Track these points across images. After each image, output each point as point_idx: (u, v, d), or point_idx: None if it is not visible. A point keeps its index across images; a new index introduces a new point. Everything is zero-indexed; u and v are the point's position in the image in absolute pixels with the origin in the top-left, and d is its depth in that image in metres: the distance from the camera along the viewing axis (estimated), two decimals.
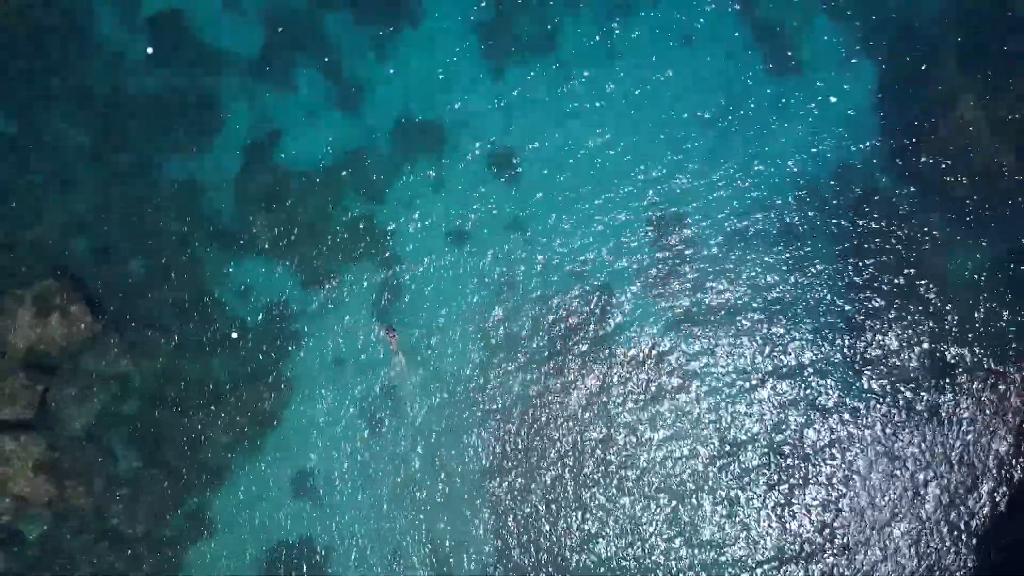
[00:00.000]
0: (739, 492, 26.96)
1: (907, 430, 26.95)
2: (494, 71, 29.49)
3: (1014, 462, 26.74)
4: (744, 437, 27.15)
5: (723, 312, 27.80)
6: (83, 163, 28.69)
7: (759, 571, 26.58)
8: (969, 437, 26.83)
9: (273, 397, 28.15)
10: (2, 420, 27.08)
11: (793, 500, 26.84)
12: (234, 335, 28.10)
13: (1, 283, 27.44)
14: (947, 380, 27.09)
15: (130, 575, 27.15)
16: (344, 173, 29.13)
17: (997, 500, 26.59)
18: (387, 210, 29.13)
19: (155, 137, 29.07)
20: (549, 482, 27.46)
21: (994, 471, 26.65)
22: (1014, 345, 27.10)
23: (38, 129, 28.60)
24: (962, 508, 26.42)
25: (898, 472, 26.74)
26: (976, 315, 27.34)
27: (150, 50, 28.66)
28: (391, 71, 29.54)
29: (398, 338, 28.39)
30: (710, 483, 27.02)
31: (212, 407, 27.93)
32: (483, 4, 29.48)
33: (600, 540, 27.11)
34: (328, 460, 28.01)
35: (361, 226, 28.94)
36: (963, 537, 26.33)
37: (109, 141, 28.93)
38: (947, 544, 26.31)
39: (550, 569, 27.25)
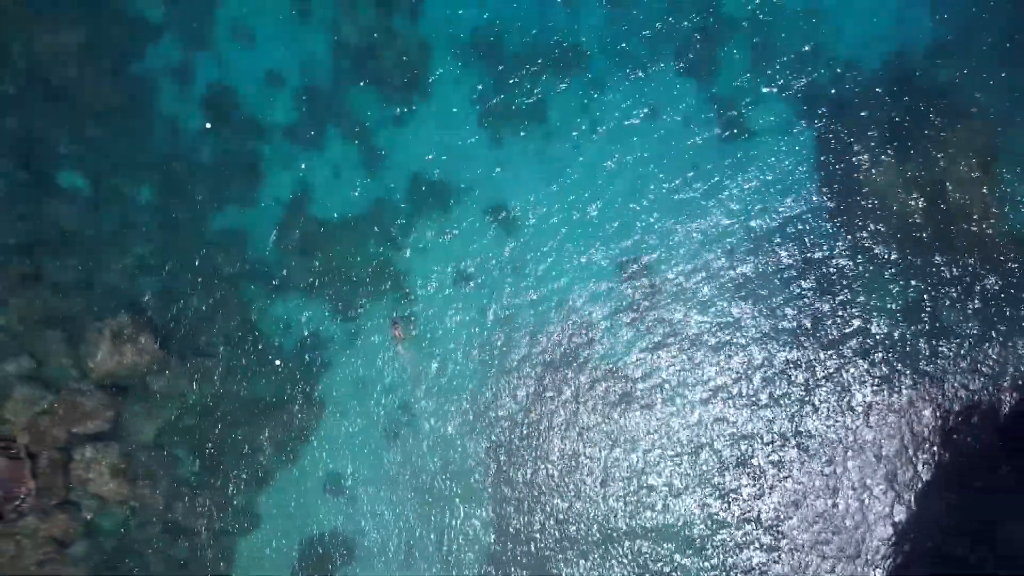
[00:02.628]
0: (697, 489, 32.47)
1: (839, 431, 32.43)
2: (493, 137, 34.02)
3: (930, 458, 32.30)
4: (702, 441, 32.63)
5: (676, 335, 33.07)
6: (148, 216, 33.09)
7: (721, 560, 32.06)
8: (894, 443, 32.33)
9: (308, 413, 32.91)
10: (84, 432, 31.88)
11: (754, 499, 32.33)
12: (277, 362, 33.04)
13: (83, 318, 32.05)
14: (865, 392, 32.59)
15: (190, 562, 32.33)
16: (367, 223, 33.67)
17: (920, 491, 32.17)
18: (403, 254, 33.68)
19: (208, 193, 33.42)
20: (540, 481, 32.74)
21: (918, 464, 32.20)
22: (927, 365, 32.60)
23: (110, 187, 32.97)
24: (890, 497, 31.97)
25: (831, 464, 32.25)
26: (895, 341, 32.77)
27: (208, 125, 33.54)
28: (407, 138, 33.95)
29: (402, 329, 33.18)
30: (671, 479, 32.54)
31: (258, 421, 32.64)
32: (483, 82, 34.16)
33: (578, 528, 32.54)
34: (354, 465, 32.69)
35: (381, 268, 33.63)
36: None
37: (169, 197, 33.29)
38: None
39: (544, 562, 32.58)
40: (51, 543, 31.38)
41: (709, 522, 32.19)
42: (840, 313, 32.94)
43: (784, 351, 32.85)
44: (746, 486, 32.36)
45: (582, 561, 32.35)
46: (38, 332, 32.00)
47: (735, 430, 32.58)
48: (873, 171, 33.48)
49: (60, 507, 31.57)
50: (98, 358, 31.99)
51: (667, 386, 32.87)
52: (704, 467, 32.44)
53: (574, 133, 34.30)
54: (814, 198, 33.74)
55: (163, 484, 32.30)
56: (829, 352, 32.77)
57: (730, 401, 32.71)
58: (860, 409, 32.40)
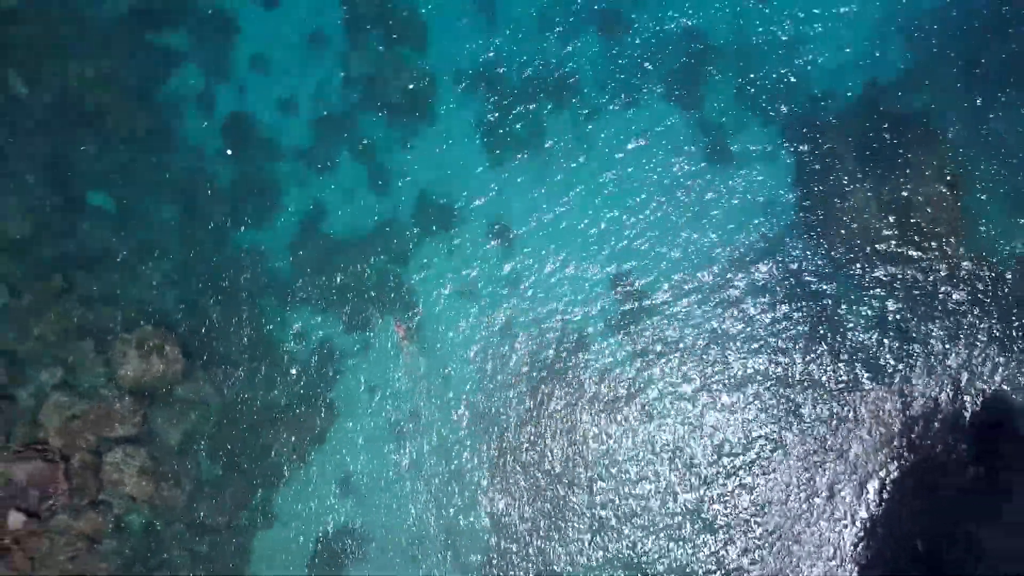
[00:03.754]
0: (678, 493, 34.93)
1: (810, 441, 34.86)
2: (493, 161, 36.32)
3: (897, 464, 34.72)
4: (684, 446, 35.05)
5: (664, 347, 35.47)
6: (172, 234, 35.39)
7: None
8: (865, 451, 34.74)
9: (321, 417, 35.15)
10: (114, 436, 34.18)
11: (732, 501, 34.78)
12: (292, 370, 35.38)
13: (113, 330, 34.43)
14: (840, 399, 35.02)
15: (211, 557, 34.63)
16: (376, 241, 35.97)
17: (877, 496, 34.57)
18: (409, 270, 35.96)
19: (228, 212, 35.72)
20: (537, 481, 35.14)
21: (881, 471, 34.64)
22: (896, 375, 35.00)
23: (137, 208, 35.28)
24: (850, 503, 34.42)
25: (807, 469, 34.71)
26: (865, 353, 35.17)
27: (229, 151, 35.89)
28: (413, 161, 36.30)
29: (405, 329, 35.49)
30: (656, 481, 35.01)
31: (274, 425, 34.91)
32: (485, 109, 36.46)
33: (570, 524, 34.98)
34: (364, 466, 34.97)
35: (389, 283, 35.89)
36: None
37: (192, 216, 35.61)
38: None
39: (541, 557, 34.96)
40: (83, 540, 33.62)
41: (677, 530, 34.55)
42: (813, 326, 35.31)
43: (756, 364, 35.20)
44: (717, 496, 34.72)
45: (575, 557, 34.68)
46: (71, 343, 34.34)
47: (709, 440, 34.97)
48: (849, 192, 35.87)
49: (91, 506, 33.82)
50: (126, 367, 34.28)
51: (651, 394, 35.24)
52: (677, 475, 34.77)
53: (569, 157, 36.58)
54: (793, 217, 36.04)
55: (187, 484, 34.53)
56: (800, 365, 35.13)
57: (707, 413, 35.11)
58: (831, 419, 34.77)
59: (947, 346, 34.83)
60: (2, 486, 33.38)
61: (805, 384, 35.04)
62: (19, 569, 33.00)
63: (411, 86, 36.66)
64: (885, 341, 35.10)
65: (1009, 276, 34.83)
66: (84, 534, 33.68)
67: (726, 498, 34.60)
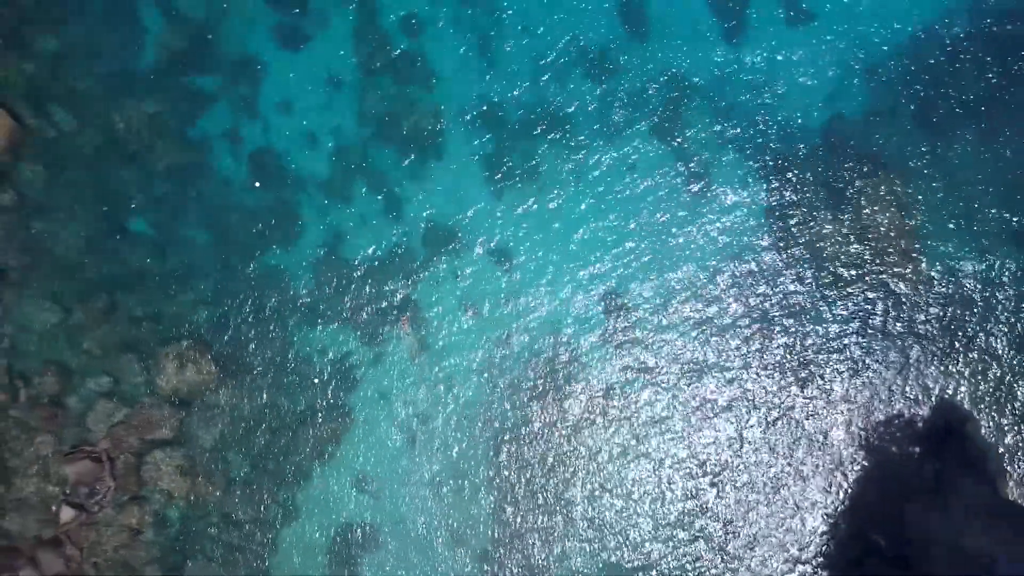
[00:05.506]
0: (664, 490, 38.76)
1: (777, 449, 38.67)
2: (495, 191, 39.80)
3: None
4: (669, 449, 38.92)
5: (648, 359, 39.38)
6: (205, 258, 38.86)
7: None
8: (827, 458, 38.52)
9: (340, 421, 38.78)
10: (154, 439, 37.88)
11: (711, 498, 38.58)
12: (315, 380, 39.30)
13: (153, 344, 38.16)
14: (805, 408, 38.84)
15: (242, 547, 38.46)
16: (388, 263, 39.45)
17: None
18: (419, 290, 39.45)
19: (255, 237, 39.18)
20: (534, 482, 39.00)
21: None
22: (853, 389, 38.78)
23: (174, 234, 38.82)
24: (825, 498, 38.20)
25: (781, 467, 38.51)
26: (828, 366, 39.00)
27: (257, 184, 39.85)
28: (422, 191, 39.86)
29: (409, 323, 39.09)
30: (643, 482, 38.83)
31: (298, 429, 38.49)
32: (486, 143, 39.95)
33: (565, 518, 38.80)
34: (378, 465, 38.73)
35: (400, 301, 39.49)
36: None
37: (223, 241, 39.07)
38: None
39: (536, 550, 38.75)
40: (126, 531, 37.38)
41: (657, 533, 38.37)
42: (781, 340, 39.12)
43: (727, 377, 38.99)
44: (688, 499, 38.60)
45: (570, 553, 38.45)
46: (115, 356, 38.03)
47: (683, 446, 38.86)
48: (815, 219, 39.60)
49: (134, 502, 37.51)
50: (165, 377, 37.92)
51: (635, 401, 39.09)
52: (649, 488, 38.64)
53: (564, 187, 40.07)
54: (766, 239, 39.68)
55: (219, 482, 38.12)
56: (767, 377, 38.89)
57: (685, 422, 38.98)
58: (797, 426, 38.60)
59: (903, 359, 38.59)
60: (55, 484, 37.31)
61: (772, 394, 38.83)
62: (71, 558, 36.89)
63: (420, 123, 40.23)
64: (846, 356, 38.87)
65: (958, 294, 38.62)
66: (128, 527, 37.41)
67: (695, 499, 38.43)
